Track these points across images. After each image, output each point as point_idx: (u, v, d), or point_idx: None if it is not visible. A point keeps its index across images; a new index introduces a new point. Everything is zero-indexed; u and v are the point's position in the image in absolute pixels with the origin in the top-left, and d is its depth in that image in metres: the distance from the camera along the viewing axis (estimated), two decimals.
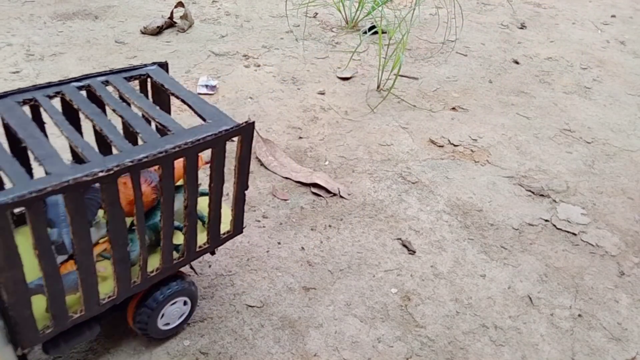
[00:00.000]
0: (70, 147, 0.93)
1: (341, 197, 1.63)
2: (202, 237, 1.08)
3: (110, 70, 1.06)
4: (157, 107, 0.98)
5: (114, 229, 0.86)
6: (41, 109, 0.97)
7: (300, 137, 1.90)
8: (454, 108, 2.19)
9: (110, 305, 0.95)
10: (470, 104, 2.23)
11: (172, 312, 1.10)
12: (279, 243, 1.44)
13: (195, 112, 0.99)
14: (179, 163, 0.93)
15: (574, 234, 1.58)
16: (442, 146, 1.93)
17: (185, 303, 1.12)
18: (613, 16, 3.43)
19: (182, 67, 2.26)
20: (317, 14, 2.97)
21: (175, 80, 1.07)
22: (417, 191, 1.69)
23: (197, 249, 1.05)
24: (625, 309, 1.36)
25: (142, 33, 2.52)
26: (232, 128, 0.95)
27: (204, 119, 0.97)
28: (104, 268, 1.00)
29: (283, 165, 1.73)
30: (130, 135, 1.11)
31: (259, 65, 2.35)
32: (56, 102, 0.99)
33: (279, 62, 2.39)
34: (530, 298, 1.36)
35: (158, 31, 2.52)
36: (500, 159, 1.89)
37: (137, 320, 1.05)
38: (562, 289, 1.40)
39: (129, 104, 1.00)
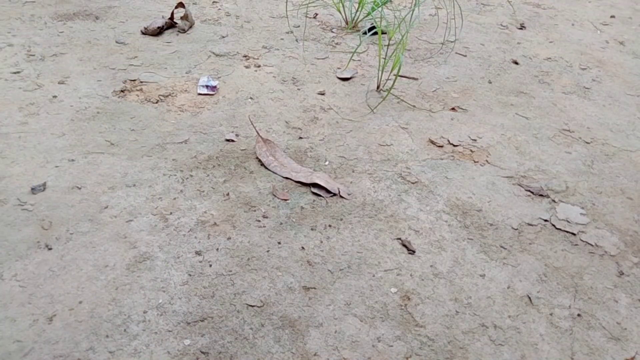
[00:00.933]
0: None
1: (341, 197, 1.63)
2: None
3: None
4: None
5: None
6: None
7: (301, 137, 1.90)
8: (453, 108, 2.19)
9: None
10: (470, 104, 2.24)
11: None
12: (279, 243, 1.45)
13: None
14: None
15: (573, 234, 1.59)
16: (441, 146, 1.94)
17: None
18: (612, 17, 3.44)
19: (182, 67, 2.27)
20: (317, 14, 2.98)
21: None
22: (416, 191, 1.70)
23: None
24: (625, 308, 1.36)
25: (143, 33, 2.52)
26: None
27: None
28: None
29: (283, 165, 1.73)
30: None
31: (259, 66, 2.35)
32: None
33: (279, 63, 2.40)
34: (529, 298, 1.36)
35: (159, 32, 2.53)
36: (499, 159, 1.90)
37: None
38: (562, 289, 1.40)
39: None
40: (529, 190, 1.76)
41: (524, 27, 3.11)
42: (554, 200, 1.72)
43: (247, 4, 3.02)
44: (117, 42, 2.43)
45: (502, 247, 1.52)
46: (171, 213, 1.51)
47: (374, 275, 1.38)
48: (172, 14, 2.60)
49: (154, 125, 1.89)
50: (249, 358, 1.15)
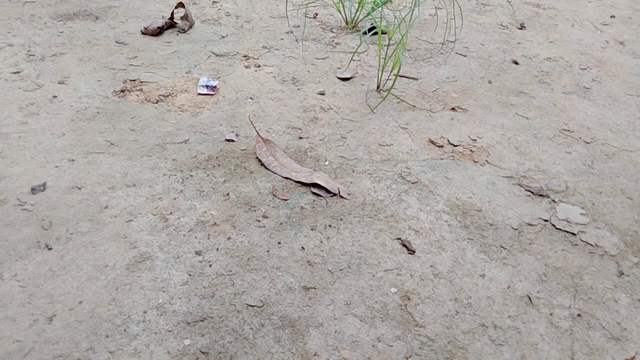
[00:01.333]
0: None
1: (341, 197, 1.63)
2: None
3: None
4: None
5: None
6: None
7: (301, 137, 1.90)
8: (453, 108, 2.19)
9: None
10: (470, 104, 2.24)
11: None
12: (279, 243, 1.45)
13: None
14: None
15: (573, 234, 1.59)
16: (441, 146, 1.94)
17: None
18: (612, 17, 3.44)
19: (182, 67, 2.27)
20: (317, 14, 2.98)
21: None
22: (416, 191, 1.70)
23: None
24: (625, 308, 1.36)
25: (143, 33, 2.52)
26: None
27: None
28: None
29: (283, 166, 1.73)
30: None
31: (259, 66, 2.35)
32: None
33: (279, 63, 2.40)
34: (529, 298, 1.36)
35: (159, 32, 2.53)
36: (499, 159, 1.90)
37: None
38: (562, 289, 1.40)
39: None
40: (529, 190, 1.76)
41: (524, 27, 3.11)
42: (554, 200, 1.72)
43: (247, 4, 3.02)
44: (117, 42, 2.43)
45: (502, 247, 1.52)
46: (171, 213, 1.51)
47: (374, 275, 1.38)
48: (172, 14, 2.60)
49: (154, 125, 1.89)
50: (249, 358, 1.15)
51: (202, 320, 1.21)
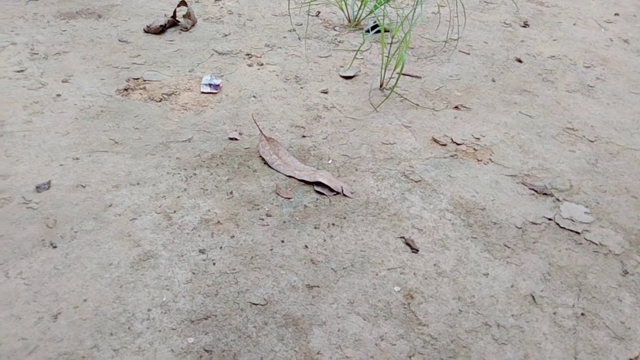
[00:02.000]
0: None
1: (344, 195, 1.63)
2: None
3: None
4: None
5: None
6: None
7: (304, 136, 1.90)
8: (456, 107, 2.19)
9: None
10: (473, 103, 2.23)
11: None
12: (283, 241, 1.45)
13: None
14: None
15: (578, 233, 1.58)
16: (445, 145, 1.93)
17: None
18: (617, 14, 3.42)
19: (185, 66, 2.27)
20: (319, 12, 2.98)
21: None
22: (420, 190, 1.70)
23: None
24: (629, 307, 1.36)
25: (146, 32, 2.53)
26: None
27: None
28: None
29: (286, 164, 1.73)
30: None
31: (262, 64, 2.35)
32: None
33: (282, 61, 2.40)
34: (533, 297, 1.36)
35: (161, 30, 2.53)
36: (503, 158, 1.90)
37: None
38: (565, 288, 1.40)
39: None
40: (533, 189, 1.75)
41: (527, 25, 3.10)
42: (558, 199, 1.72)
43: (250, 2, 3.02)
44: (119, 40, 2.43)
45: (505, 245, 1.51)
46: (175, 211, 1.51)
47: (377, 274, 1.38)
48: (175, 12, 2.60)
49: (157, 124, 1.89)
50: (252, 356, 1.15)
51: (205, 319, 1.22)
